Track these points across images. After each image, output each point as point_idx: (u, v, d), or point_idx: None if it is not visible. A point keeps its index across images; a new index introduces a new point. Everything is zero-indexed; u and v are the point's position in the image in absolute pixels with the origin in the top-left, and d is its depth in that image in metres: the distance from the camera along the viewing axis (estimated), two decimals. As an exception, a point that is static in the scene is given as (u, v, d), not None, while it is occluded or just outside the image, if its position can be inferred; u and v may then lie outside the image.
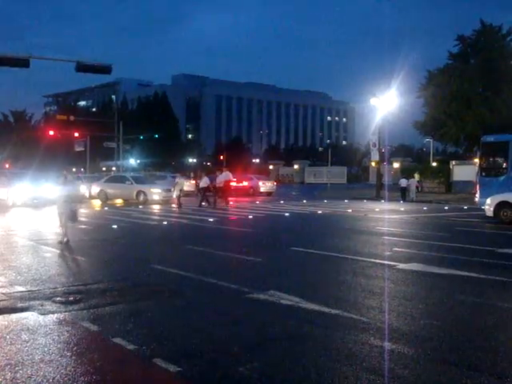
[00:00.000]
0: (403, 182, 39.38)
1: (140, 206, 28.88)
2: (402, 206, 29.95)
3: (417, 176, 47.42)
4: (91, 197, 33.96)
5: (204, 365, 5.46)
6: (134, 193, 31.67)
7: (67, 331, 6.53)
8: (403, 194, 38.05)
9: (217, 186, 29.97)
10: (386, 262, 11.28)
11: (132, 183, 32.43)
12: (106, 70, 26.22)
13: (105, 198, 32.90)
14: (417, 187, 46.41)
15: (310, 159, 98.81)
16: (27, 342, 6.08)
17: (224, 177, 29.95)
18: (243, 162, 79.75)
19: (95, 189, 34.04)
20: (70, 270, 10.52)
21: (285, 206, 30.62)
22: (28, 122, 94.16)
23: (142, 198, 31.20)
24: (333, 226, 19.92)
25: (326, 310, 7.48)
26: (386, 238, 15.61)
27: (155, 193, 31.25)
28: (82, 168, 63.74)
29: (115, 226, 18.28)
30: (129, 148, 61.92)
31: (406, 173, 50.24)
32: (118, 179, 34.47)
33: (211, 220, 20.74)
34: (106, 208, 28.02)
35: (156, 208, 28.44)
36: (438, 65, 49.20)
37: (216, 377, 5.21)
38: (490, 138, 24.96)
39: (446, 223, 21.11)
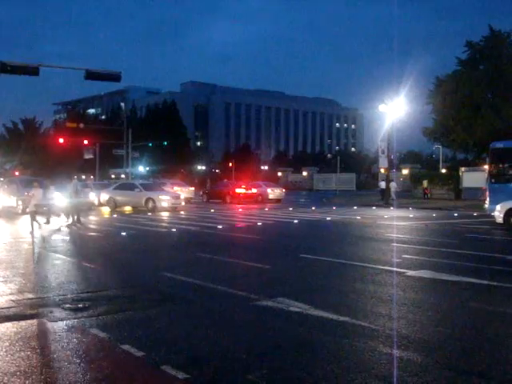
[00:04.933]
0: (382, 185, 43.70)
1: (149, 214, 28.93)
2: (411, 213, 29.85)
3: (425, 183, 47.55)
4: (100, 204, 34.06)
5: (212, 372, 5.46)
6: (143, 200, 31.73)
7: (76, 338, 6.55)
8: (383, 196, 41.90)
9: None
10: (395, 269, 11.24)
11: (141, 190, 32.48)
12: (115, 77, 26.32)
13: (114, 206, 32.97)
14: (426, 193, 46.71)
15: (319, 166, 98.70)
16: (36, 349, 6.11)
17: (74, 188, 23.30)
18: (252, 169, 79.89)
19: (104, 196, 34.13)
20: (79, 277, 10.55)
21: (294, 213, 30.59)
22: (38, 129, 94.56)
23: (150, 205, 31.22)
24: (342, 233, 19.87)
25: (335, 317, 7.46)
26: (396, 244, 15.55)
27: (164, 200, 31.28)
28: (91, 175, 63.98)
29: (124, 233, 18.33)
30: (138, 155, 61.98)
31: (415, 180, 50.53)
32: (127, 186, 34.52)
33: (220, 227, 20.76)
34: (115, 215, 28.10)
35: (165, 215, 28.49)
36: (447, 71, 49.09)
37: (224, 384, 5.21)
38: (500, 145, 24.85)
39: (455, 230, 21.01)
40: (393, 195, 40.90)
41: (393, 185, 41.99)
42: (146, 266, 11.94)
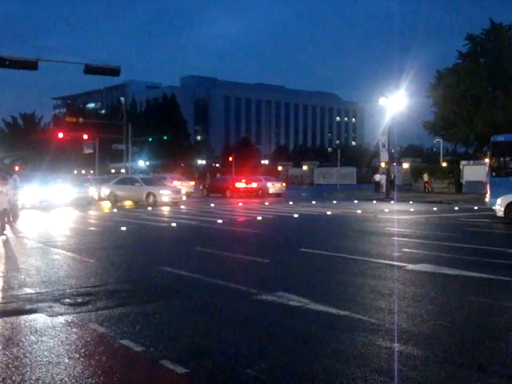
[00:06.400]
0: (377, 177, 48.28)
1: (149, 208, 28.90)
2: (411, 207, 29.81)
3: (425, 176, 47.54)
4: (100, 199, 34.04)
5: (211, 366, 5.44)
6: (144, 194, 31.70)
7: (75, 333, 6.53)
8: (377, 188, 46.29)
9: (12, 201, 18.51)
10: (395, 263, 11.21)
11: (141, 185, 32.46)
12: (114, 71, 26.26)
13: (114, 200, 32.95)
14: (426, 187, 46.72)
15: (319, 160, 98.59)
16: (35, 344, 6.09)
17: (13, 185, 19.20)
18: (252, 163, 79.75)
19: (105, 191, 34.10)
20: (79, 272, 10.53)
21: (294, 207, 30.56)
22: (37, 124, 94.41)
23: (151, 199, 31.20)
24: (342, 227, 19.85)
25: (335, 311, 7.45)
26: (396, 238, 15.54)
27: (164, 194, 31.25)
28: (91, 170, 63.94)
29: (124, 228, 18.30)
30: (138, 150, 61.94)
31: (416, 173, 50.69)
32: (128, 181, 34.47)
33: (220, 222, 20.73)
34: (115, 210, 28.08)
35: (165, 210, 28.46)
36: (448, 64, 49.01)
37: (224, 378, 5.19)
38: (500, 138, 24.76)
39: (456, 224, 20.99)
40: (383, 188, 42.42)
41: (383, 177, 43.63)
42: (146, 261, 11.92)
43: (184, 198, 33.12)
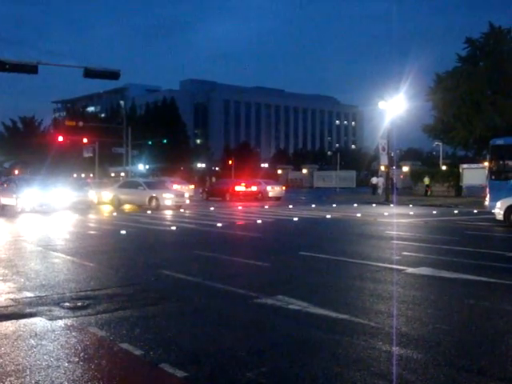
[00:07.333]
0: (374, 180, 50.98)
1: (148, 211, 28.87)
2: (411, 210, 29.82)
3: (426, 180, 47.61)
4: (100, 202, 34.03)
5: (211, 370, 5.44)
6: (147, 198, 31.66)
7: (75, 337, 6.52)
8: (374, 191, 48.98)
9: None
10: (394, 267, 11.22)
11: (145, 189, 32.43)
12: (114, 75, 26.31)
13: (118, 204, 32.98)
14: (426, 191, 46.81)
15: (319, 163, 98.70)
16: (35, 348, 6.08)
17: None
18: (252, 167, 79.76)
19: (108, 194, 34.15)
20: (78, 276, 10.52)
21: (293, 210, 30.56)
22: (37, 128, 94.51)
23: (154, 203, 31.18)
24: (342, 231, 19.85)
25: (334, 314, 7.44)
26: (395, 242, 15.53)
27: (167, 198, 31.20)
28: (90, 174, 63.95)
29: (124, 232, 18.29)
30: (137, 153, 61.99)
31: (415, 177, 50.86)
32: (131, 185, 34.44)
33: (219, 225, 20.73)
34: (115, 214, 28.05)
35: (167, 213, 28.44)
36: (447, 68, 49.12)
37: (223, 382, 5.18)
38: (500, 141, 24.80)
39: (455, 227, 20.99)
40: (379, 190, 42.71)
41: (380, 180, 44.32)
42: (145, 264, 11.91)
43: (187, 201, 33.03)
